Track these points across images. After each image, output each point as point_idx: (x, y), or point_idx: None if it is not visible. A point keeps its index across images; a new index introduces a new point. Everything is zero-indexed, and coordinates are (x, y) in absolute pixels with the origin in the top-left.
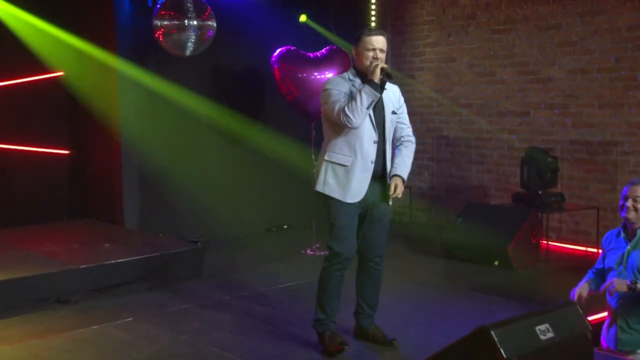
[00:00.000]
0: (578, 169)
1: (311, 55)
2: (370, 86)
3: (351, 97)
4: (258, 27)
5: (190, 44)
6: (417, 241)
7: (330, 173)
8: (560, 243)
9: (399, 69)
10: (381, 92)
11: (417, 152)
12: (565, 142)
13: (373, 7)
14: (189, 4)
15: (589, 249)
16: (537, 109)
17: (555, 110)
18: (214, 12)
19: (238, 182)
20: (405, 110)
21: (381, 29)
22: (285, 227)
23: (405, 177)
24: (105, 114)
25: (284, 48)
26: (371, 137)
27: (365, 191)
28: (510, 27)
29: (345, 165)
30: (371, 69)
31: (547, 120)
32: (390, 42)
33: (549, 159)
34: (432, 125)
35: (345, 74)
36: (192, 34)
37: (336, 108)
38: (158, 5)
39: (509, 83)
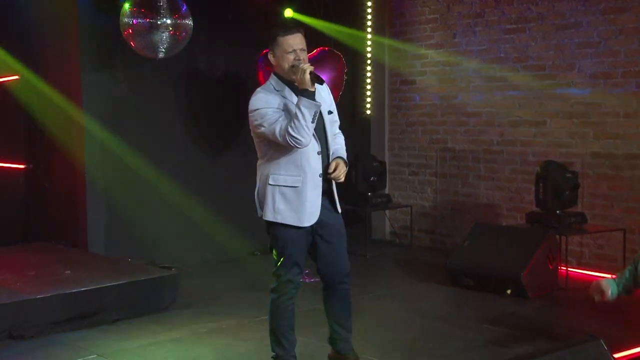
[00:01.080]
0: (601, 186)
1: None
2: (307, 97)
3: (287, 112)
4: (240, 27)
5: (163, 45)
6: (419, 266)
7: (279, 198)
8: (582, 269)
9: (397, 73)
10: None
11: (418, 166)
12: (586, 155)
13: (369, 3)
14: (161, 1)
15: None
16: (555, 118)
17: (575, 120)
18: (190, 10)
19: (218, 199)
20: (334, 106)
21: (296, 26)
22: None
23: (346, 159)
24: (66, 123)
25: (266, 49)
26: (314, 149)
27: (320, 209)
28: (523, 27)
29: (296, 187)
30: (299, 76)
31: (566, 130)
32: (387, 43)
33: (568, 175)
34: (435, 136)
35: (269, 85)
36: (166, 33)
37: (277, 130)
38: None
39: (522, 89)
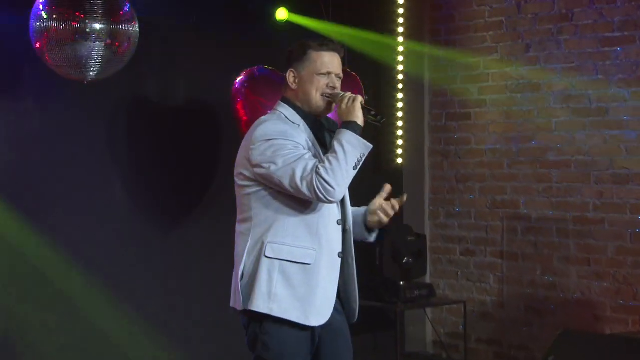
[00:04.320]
0: None
1: None
2: (354, 131)
3: (308, 150)
4: (210, 35)
5: (94, 60)
6: None
7: (279, 279)
8: None
9: (443, 103)
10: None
11: (475, 242)
12: None
13: (400, 1)
14: None
15: None
16: None
17: None
18: (136, 11)
19: (173, 296)
20: None
21: (337, 43)
22: None
23: None
24: None
25: (253, 69)
26: (334, 216)
27: (334, 304)
28: (631, 35)
29: (307, 264)
30: (344, 105)
31: None
32: (427, 57)
33: None
34: (500, 197)
35: (279, 115)
36: (99, 44)
37: (299, 171)
38: None
39: (631, 127)
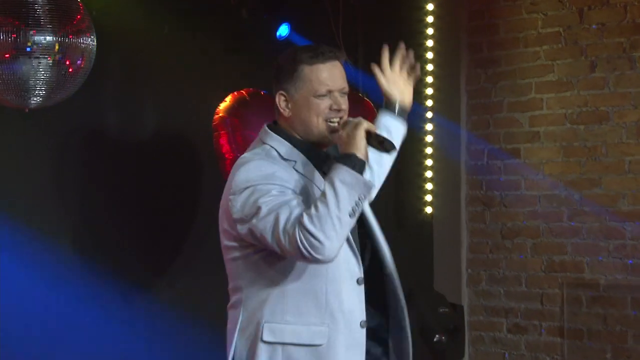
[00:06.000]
0: None
1: None
2: (350, 166)
3: (306, 197)
4: (188, 51)
5: (39, 83)
6: None
7: None
8: None
9: (484, 136)
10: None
11: (527, 315)
12: None
13: (429, 6)
14: (37, 3)
15: None
16: None
17: None
18: (92, 20)
19: None
20: None
21: (333, 48)
22: None
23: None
24: None
25: (243, 93)
26: (352, 275)
27: None
28: None
29: (317, 345)
30: (345, 132)
31: None
32: (463, 78)
33: None
34: (558, 257)
35: (269, 151)
36: (45, 62)
37: (282, 221)
38: None
39: None
